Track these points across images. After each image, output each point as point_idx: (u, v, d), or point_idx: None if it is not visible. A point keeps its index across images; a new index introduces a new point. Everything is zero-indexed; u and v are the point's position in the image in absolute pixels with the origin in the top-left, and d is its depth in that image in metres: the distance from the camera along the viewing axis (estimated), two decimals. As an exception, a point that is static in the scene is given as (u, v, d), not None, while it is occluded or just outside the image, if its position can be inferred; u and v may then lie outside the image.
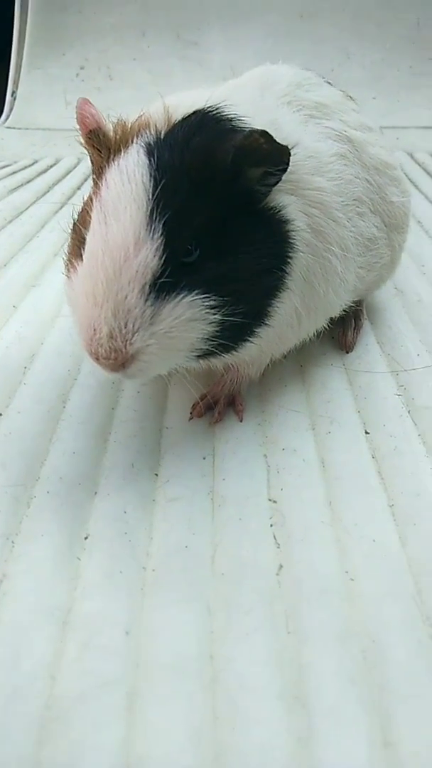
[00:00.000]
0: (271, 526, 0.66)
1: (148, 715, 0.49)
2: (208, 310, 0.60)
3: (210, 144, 0.59)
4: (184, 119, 0.63)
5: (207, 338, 0.63)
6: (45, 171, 1.58)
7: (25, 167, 1.58)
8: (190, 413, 0.81)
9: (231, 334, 0.64)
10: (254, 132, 0.58)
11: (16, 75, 1.93)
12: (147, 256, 0.57)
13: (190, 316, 0.59)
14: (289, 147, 0.63)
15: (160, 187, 0.58)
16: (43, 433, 0.75)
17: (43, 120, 1.88)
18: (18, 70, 1.94)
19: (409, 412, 0.82)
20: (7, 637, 0.53)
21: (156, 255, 0.57)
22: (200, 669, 0.52)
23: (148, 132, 0.64)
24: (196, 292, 0.59)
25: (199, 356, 0.65)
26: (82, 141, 0.71)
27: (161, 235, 0.57)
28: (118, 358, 0.58)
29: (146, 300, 0.57)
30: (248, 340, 0.69)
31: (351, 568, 0.61)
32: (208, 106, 0.63)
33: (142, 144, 0.62)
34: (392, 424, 0.80)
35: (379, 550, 0.63)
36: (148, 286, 0.57)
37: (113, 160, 0.64)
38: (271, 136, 0.59)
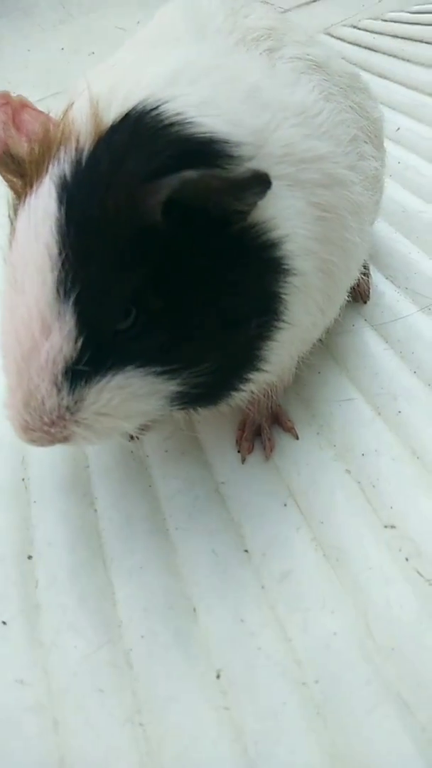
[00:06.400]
0: (407, 560, 0.56)
1: None
2: (155, 382, 0.49)
3: (133, 188, 0.42)
4: (114, 129, 0.45)
5: (173, 399, 0.51)
6: None
7: None
8: (238, 451, 0.68)
9: (208, 391, 0.52)
10: (187, 178, 0.41)
11: None
12: (55, 343, 0.45)
13: (126, 395, 0.48)
14: (276, 117, 0.46)
15: (69, 252, 0.44)
16: (91, 559, 0.60)
17: None
18: None
19: (468, 350, 0.72)
20: None
21: (67, 341, 0.45)
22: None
23: (67, 152, 0.46)
24: (132, 365, 0.47)
25: (179, 409, 0.53)
26: None
27: (72, 315, 0.45)
28: (42, 444, 0.50)
29: (60, 390, 0.47)
30: (239, 388, 0.56)
31: None
32: (142, 102, 0.45)
33: (56, 178, 0.45)
34: (459, 373, 0.70)
35: None
36: (61, 376, 0.46)
37: (29, 194, 0.47)
38: (217, 176, 0.42)
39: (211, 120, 0.45)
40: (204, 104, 0.46)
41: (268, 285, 0.50)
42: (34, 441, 0.50)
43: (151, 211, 0.42)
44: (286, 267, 0.50)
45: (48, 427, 0.49)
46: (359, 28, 1.61)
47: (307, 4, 1.70)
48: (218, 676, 0.51)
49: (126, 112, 0.44)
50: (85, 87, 0.47)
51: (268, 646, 0.52)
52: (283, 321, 0.53)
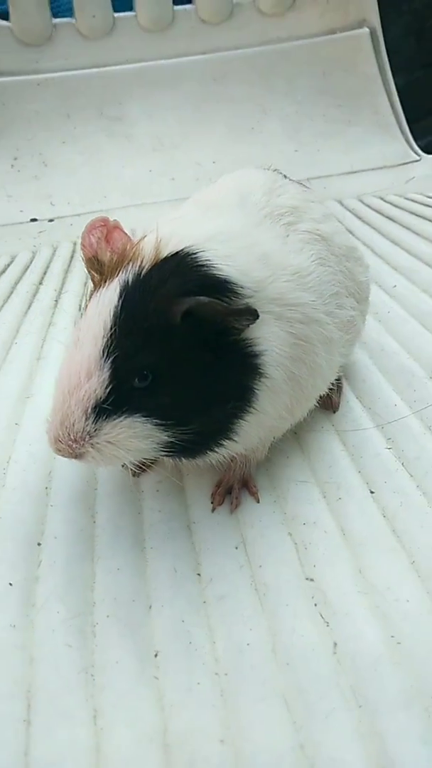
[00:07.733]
0: (316, 605, 0.73)
1: None
2: (152, 429, 0.70)
3: (168, 300, 0.66)
4: (166, 260, 0.69)
5: (162, 447, 0.72)
6: (3, 271, 1.60)
7: (-18, 270, 1.60)
8: (211, 502, 0.88)
9: (189, 447, 0.73)
10: (200, 301, 0.65)
11: None
12: (93, 386, 0.68)
13: (131, 434, 0.70)
14: (275, 274, 0.71)
15: (117, 329, 0.67)
16: (84, 555, 0.80)
17: (-13, 217, 1.89)
18: None
19: (402, 464, 0.92)
20: (119, 773, 0.58)
21: (101, 386, 0.68)
22: (296, 760, 0.59)
23: (133, 267, 0.70)
24: (139, 414, 0.69)
25: (166, 455, 0.75)
26: (84, 264, 0.78)
27: (108, 370, 0.67)
28: (64, 455, 0.71)
29: (87, 418, 0.68)
30: (214, 451, 0.77)
31: (396, 632, 0.69)
32: (188, 247, 0.69)
33: (122, 281, 0.70)
34: (391, 479, 0.90)
35: (415, 609, 0.71)
36: (90, 409, 0.68)
37: (102, 286, 0.72)
38: (220, 304, 0.66)
39: (229, 269, 0.69)
40: (227, 257, 0.70)
41: (246, 380, 0.73)
42: (59, 451, 0.72)
43: (174, 316, 0.66)
44: (261, 371, 0.73)
45: (72, 442, 0.70)
46: (385, 200, 1.96)
47: (348, 174, 2.09)
48: (156, 655, 0.68)
49: (176, 251, 0.69)
50: (156, 228, 0.72)
51: (197, 642, 0.70)
52: (253, 408, 0.74)
